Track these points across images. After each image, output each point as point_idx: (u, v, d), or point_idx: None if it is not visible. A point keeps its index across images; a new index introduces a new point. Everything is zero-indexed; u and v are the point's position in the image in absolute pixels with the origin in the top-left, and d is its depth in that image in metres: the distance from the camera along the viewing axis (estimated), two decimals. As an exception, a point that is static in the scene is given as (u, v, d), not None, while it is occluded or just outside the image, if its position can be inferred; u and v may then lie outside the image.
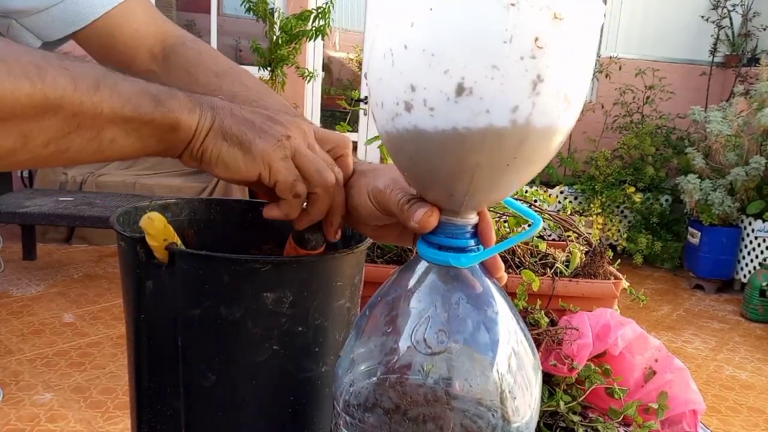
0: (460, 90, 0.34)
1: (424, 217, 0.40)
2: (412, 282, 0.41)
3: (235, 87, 0.57)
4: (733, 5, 5.07)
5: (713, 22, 5.15)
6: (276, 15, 4.25)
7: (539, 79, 0.34)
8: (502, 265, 0.44)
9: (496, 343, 0.40)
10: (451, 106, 0.34)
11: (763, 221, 4.06)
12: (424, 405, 0.39)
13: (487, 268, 0.43)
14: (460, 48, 0.34)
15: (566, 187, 4.83)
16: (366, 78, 0.41)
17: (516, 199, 0.92)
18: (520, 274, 0.78)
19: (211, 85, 0.57)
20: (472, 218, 0.41)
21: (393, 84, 0.36)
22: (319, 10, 4.01)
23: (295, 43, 4.20)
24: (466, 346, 0.40)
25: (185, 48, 0.59)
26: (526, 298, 0.75)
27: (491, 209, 0.89)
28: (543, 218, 0.93)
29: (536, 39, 0.33)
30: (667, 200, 4.83)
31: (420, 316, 0.40)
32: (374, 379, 0.40)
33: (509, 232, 0.90)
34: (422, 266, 0.42)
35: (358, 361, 0.41)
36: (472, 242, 0.42)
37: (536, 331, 0.72)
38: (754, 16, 5.10)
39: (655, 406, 0.71)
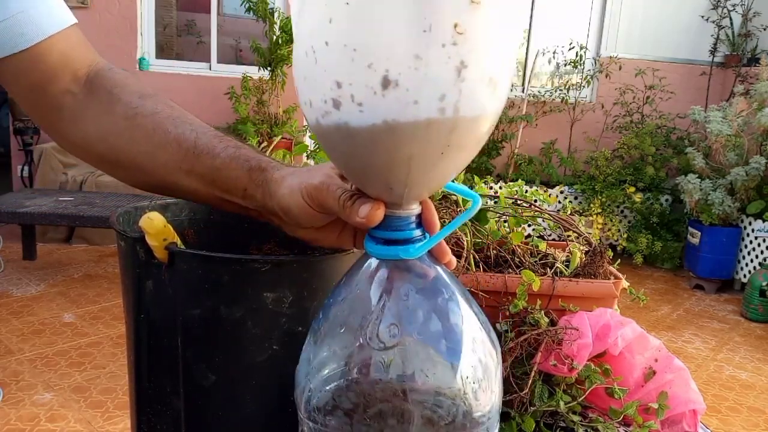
0: (386, 83, 0.34)
1: (371, 212, 0.40)
2: (361, 280, 0.41)
3: (158, 106, 0.57)
4: (733, 5, 5.07)
5: (713, 22, 5.15)
6: (276, 15, 4.25)
7: (463, 65, 0.34)
8: (449, 250, 0.44)
9: (450, 330, 0.40)
10: (378, 100, 0.34)
11: (763, 221, 4.06)
12: (384, 401, 0.39)
13: (434, 255, 0.43)
14: (381, 41, 0.33)
15: (566, 187, 4.83)
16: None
17: (516, 199, 0.92)
18: (520, 273, 0.78)
19: (132, 104, 0.56)
20: (415, 208, 0.41)
21: (318, 82, 0.36)
22: (319, 10, 4.01)
23: (295, 43, 4.20)
24: (419, 337, 0.40)
25: (112, 72, 0.59)
26: (526, 298, 0.75)
27: (492, 210, 0.89)
28: (543, 218, 0.93)
29: (456, 25, 0.33)
30: (667, 200, 4.83)
31: (371, 313, 0.39)
32: (333, 381, 0.40)
33: (509, 232, 0.90)
34: (370, 262, 0.41)
35: (316, 366, 0.41)
36: (418, 232, 0.41)
37: (536, 331, 0.72)
38: (754, 16, 5.11)
39: (655, 405, 0.71)
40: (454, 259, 0.44)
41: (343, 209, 0.43)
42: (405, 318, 0.39)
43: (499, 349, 0.42)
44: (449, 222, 0.43)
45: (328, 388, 0.40)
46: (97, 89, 0.58)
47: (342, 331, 0.40)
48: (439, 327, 0.40)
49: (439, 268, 0.42)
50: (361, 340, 0.39)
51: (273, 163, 0.52)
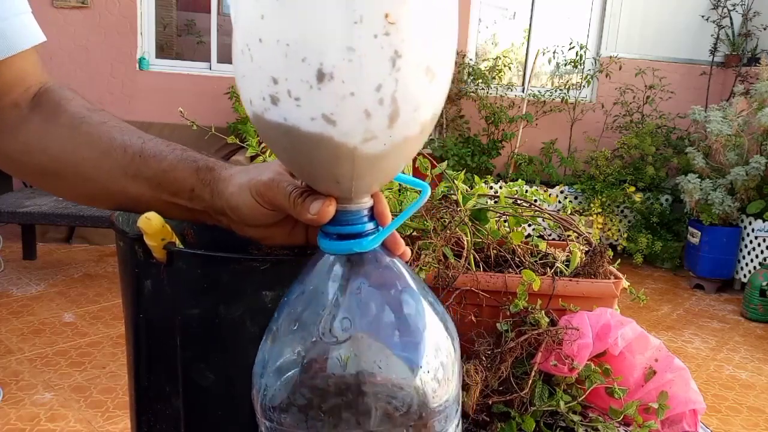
0: (320, 76, 0.34)
1: (322, 208, 0.40)
2: (315, 276, 0.41)
3: (106, 118, 0.57)
4: (733, 5, 5.07)
5: (713, 22, 5.14)
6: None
7: (397, 54, 0.34)
8: (402, 242, 0.43)
9: (403, 322, 0.40)
10: (315, 94, 0.34)
11: (763, 221, 4.06)
12: (338, 395, 0.38)
13: (388, 248, 0.43)
14: (313, 34, 0.33)
15: (566, 187, 4.83)
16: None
17: (516, 199, 0.92)
18: (520, 273, 0.78)
19: (80, 114, 0.56)
20: (366, 202, 0.41)
21: (255, 79, 0.36)
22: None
23: (295, 43, 4.20)
24: (372, 330, 0.39)
25: (62, 90, 0.59)
26: (527, 298, 0.75)
27: (492, 209, 0.89)
28: (543, 218, 0.93)
29: (386, 15, 0.33)
30: (667, 200, 4.83)
31: (324, 308, 0.39)
32: (287, 379, 0.40)
33: (509, 231, 0.90)
34: (326, 258, 0.41)
35: (271, 365, 0.40)
36: (370, 225, 0.41)
37: (536, 331, 0.72)
38: (755, 16, 5.10)
39: (655, 405, 0.71)
40: (407, 251, 0.44)
41: (294, 206, 0.43)
42: (357, 312, 0.39)
43: (457, 339, 0.42)
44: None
45: (282, 386, 0.39)
46: (43, 102, 0.57)
47: (295, 328, 0.40)
48: (392, 319, 0.40)
49: (395, 260, 0.42)
50: (314, 336, 0.39)
51: (220, 163, 0.52)
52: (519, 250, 0.88)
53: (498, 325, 0.74)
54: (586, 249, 0.87)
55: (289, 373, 0.39)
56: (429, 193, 0.44)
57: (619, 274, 0.83)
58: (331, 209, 0.40)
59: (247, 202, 0.47)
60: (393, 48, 0.34)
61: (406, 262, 0.43)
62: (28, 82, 0.57)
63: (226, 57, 4.95)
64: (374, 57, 0.33)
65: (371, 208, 0.42)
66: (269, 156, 0.86)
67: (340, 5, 0.33)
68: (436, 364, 0.40)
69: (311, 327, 0.39)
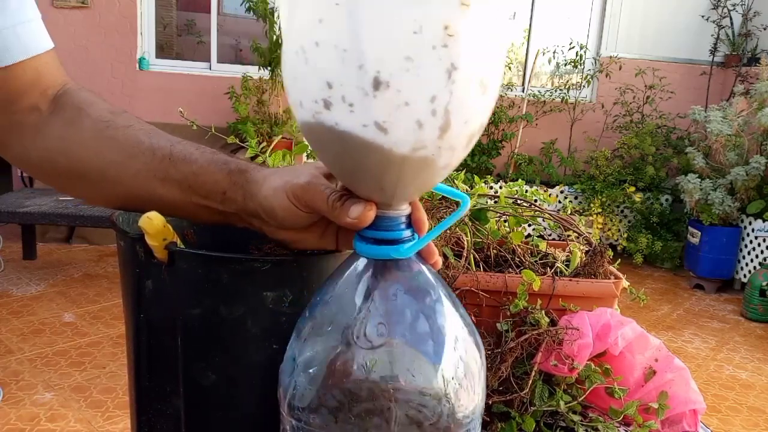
0: (376, 84, 0.34)
1: (363, 213, 0.40)
2: (349, 279, 0.41)
3: (131, 121, 0.56)
4: (734, 5, 5.07)
5: (713, 22, 5.15)
6: (276, 15, 4.25)
7: (453, 67, 0.34)
8: (436, 251, 0.44)
9: (436, 332, 0.40)
10: (369, 101, 0.34)
11: (763, 221, 4.06)
12: (369, 400, 0.38)
13: (421, 255, 0.43)
14: (372, 42, 0.33)
15: (566, 187, 4.83)
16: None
17: (516, 199, 0.92)
18: (520, 273, 0.78)
19: (103, 118, 0.56)
20: (405, 208, 0.41)
21: (309, 82, 0.36)
22: (319, 10, 4.00)
23: (295, 43, 4.20)
24: (406, 337, 0.39)
25: (81, 91, 0.59)
26: (527, 298, 0.75)
27: (492, 209, 0.89)
28: (543, 218, 0.93)
29: (446, 27, 0.33)
30: (667, 200, 4.83)
31: (359, 312, 0.39)
32: (318, 379, 0.40)
33: (509, 231, 0.90)
34: (359, 262, 0.41)
35: (300, 364, 0.40)
36: (407, 232, 0.41)
37: (536, 331, 0.72)
38: (755, 16, 5.10)
39: (655, 405, 0.71)
40: (440, 260, 0.44)
41: (332, 210, 0.42)
42: (393, 318, 0.39)
43: (483, 352, 0.42)
44: (438, 222, 0.43)
45: (312, 386, 0.39)
46: (64, 105, 0.57)
47: (329, 329, 0.40)
48: (426, 328, 0.40)
49: (426, 269, 0.42)
50: (348, 339, 0.39)
51: (253, 165, 0.52)
52: (519, 250, 0.88)
53: (498, 325, 0.74)
54: (586, 249, 0.87)
55: (321, 374, 0.39)
56: (469, 204, 0.44)
57: (619, 274, 0.83)
58: (371, 214, 0.40)
59: (283, 204, 0.47)
60: (450, 60, 0.34)
61: (437, 271, 0.43)
62: (44, 84, 0.57)
63: (225, 57, 4.95)
64: (431, 68, 0.34)
65: (409, 215, 0.42)
66: (269, 156, 0.86)
67: (400, 14, 0.33)
68: (464, 375, 0.40)
69: (345, 329, 0.39)
